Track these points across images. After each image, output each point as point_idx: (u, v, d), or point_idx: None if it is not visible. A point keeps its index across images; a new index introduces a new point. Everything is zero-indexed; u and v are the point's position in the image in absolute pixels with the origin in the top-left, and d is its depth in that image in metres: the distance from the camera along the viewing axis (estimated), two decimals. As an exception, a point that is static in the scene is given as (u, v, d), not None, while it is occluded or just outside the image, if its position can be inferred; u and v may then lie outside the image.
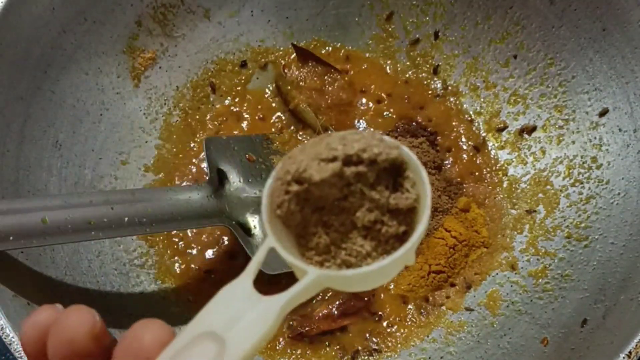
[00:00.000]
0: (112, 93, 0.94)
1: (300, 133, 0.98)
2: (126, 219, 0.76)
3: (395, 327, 0.89)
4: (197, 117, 1.00)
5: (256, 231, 0.88)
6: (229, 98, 1.01)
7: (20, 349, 0.66)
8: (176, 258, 0.92)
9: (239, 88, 1.02)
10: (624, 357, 0.65)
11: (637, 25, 0.83)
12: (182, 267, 0.92)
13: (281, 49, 1.03)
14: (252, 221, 0.88)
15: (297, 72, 0.99)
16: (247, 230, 0.88)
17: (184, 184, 0.96)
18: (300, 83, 0.98)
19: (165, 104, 0.99)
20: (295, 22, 1.03)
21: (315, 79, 0.98)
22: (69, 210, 0.73)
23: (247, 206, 0.89)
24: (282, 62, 1.02)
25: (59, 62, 0.87)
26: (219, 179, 0.89)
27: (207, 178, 0.89)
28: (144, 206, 0.79)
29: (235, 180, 0.91)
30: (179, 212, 0.81)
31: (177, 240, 0.93)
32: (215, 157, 0.91)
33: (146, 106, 0.97)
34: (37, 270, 0.78)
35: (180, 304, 0.90)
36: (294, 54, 1.02)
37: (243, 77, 1.02)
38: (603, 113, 0.88)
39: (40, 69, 0.84)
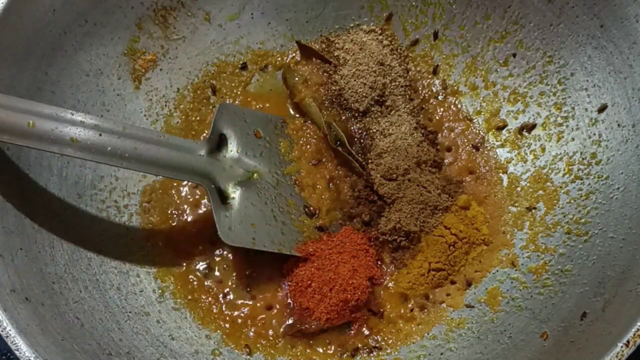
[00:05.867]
0: (113, 94, 0.95)
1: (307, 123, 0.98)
2: (109, 148, 0.78)
3: (396, 324, 0.89)
4: (198, 118, 1.01)
5: (233, 201, 0.88)
6: (229, 100, 1.02)
7: (17, 340, 0.66)
8: (177, 257, 0.93)
9: (239, 89, 1.02)
10: (622, 346, 0.65)
11: (635, 20, 0.83)
12: (183, 265, 0.92)
13: (281, 51, 1.04)
14: (233, 192, 0.89)
15: (303, 69, 0.99)
16: (224, 197, 0.89)
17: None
18: (307, 78, 0.98)
19: (165, 105, 1.00)
20: (295, 24, 1.03)
21: (320, 74, 0.98)
22: (58, 122, 0.76)
23: (234, 177, 0.90)
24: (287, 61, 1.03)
25: (59, 63, 0.88)
26: (219, 143, 0.90)
27: (206, 137, 0.90)
28: (133, 143, 0.80)
29: (233, 149, 0.91)
30: (165, 159, 0.83)
31: (178, 239, 0.93)
32: (222, 121, 0.92)
33: (147, 108, 0.98)
34: (37, 266, 0.78)
35: (180, 302, 0.90)
36: (292, 56, 1.03)
37: (243, 79, 1.03)
38: (602, 109, 0.88)
39: (41, 70, 0.85)
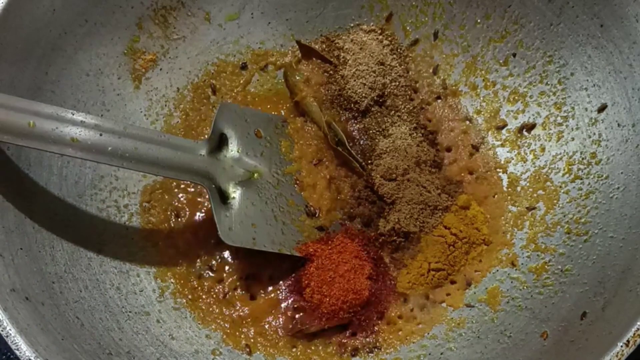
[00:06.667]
0: (113, 94, 0.95)
1: (308, 123, 0.98)
2: (109, 148, 0.79)
3: (396, 324, 0.89)
4: (198, 118, 1.01)
5: (233, 201, 0.89)
6: (229, 99, 1.02)
7: (17, 340, 0.66)
8: (177, 257, 0.93)
9: (239, 89, 1.02)
10: (622, 346, 0.65)
11: (635, 20, 0.83)
12: (183, 265, 0.92)
13: (281, 50, 1.04)
14: (234, 192, 0.89)
15: (304, 69, 0.99)
16: (224, 197, 0.89)
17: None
18: (308, 78, 0.98)
19: (165, 105, 1.00)
20: (295, 24, 1.03)
21: (320, 74, 0.98)
22: (58, 122, 0.76)
23: (235, 176, 0.90)
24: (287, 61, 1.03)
25: (59, 63, 0.88)
26: (219, 143, 0.91)
27: (207, 137, 0.90)
28: (133, 143, 0.80)
29: (234, 149, 0.92)
30: (165, 159, 0.83)
31: (178, 239, 0.93)
32: (223, 121, 0.92)
33: (147, 107, 0.98)
34: (37, 266, 0.78)
35: (180, 302, 0.90)
36: (292, 55, 1.03)
37: (243, 79, 1.03)
38: (602, 109, 0.88)
39: (41, 70, 0.85)
